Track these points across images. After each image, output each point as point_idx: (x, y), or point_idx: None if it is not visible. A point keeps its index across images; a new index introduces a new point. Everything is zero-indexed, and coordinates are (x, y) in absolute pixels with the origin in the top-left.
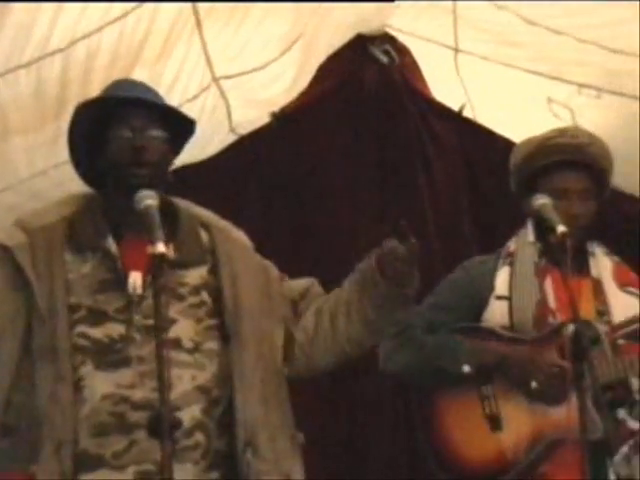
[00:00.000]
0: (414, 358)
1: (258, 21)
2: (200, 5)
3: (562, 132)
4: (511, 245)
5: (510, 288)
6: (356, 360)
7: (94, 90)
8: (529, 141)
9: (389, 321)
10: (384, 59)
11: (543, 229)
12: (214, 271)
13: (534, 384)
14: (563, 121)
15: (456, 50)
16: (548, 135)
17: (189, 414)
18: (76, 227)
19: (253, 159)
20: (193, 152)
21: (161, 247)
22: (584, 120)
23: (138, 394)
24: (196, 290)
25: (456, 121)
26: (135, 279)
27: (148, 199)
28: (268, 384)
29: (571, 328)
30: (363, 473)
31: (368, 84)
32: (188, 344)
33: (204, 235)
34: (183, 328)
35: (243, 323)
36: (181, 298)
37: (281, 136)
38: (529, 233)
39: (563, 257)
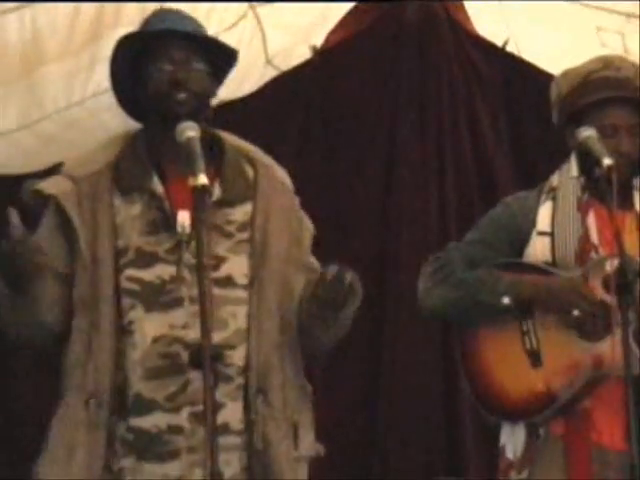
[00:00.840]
0: (453, 293)
1: None
2: None
3: (607, 64)
4: (554, 180)
5: (552, 224)
6: None
7: (129, 14)
8: (573, 73)
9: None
10: None
11: (587, 163)
12: (255, 208)
13: (576, 312)
14: (612, 49)
15: None
16: (592, 67)
17: (242, 352)
18: (121, 170)
19: (292, 96)
20: (230, 84)
21: (203, 179)
22: (635, 45)
23: (191, 334)
24: (244, 227)
25: (498, 55)
26: (184, 218)
27: (190, 130)
28: (284, 332)
29: (613, 262)
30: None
31: (409, 19)
32: (242, 280)
33: (249, 170)
34: (234, 265)
35: (267, 267)
36: (229, 235)
37: (321, 72)
38: (572, 167)
39: (608, 190)
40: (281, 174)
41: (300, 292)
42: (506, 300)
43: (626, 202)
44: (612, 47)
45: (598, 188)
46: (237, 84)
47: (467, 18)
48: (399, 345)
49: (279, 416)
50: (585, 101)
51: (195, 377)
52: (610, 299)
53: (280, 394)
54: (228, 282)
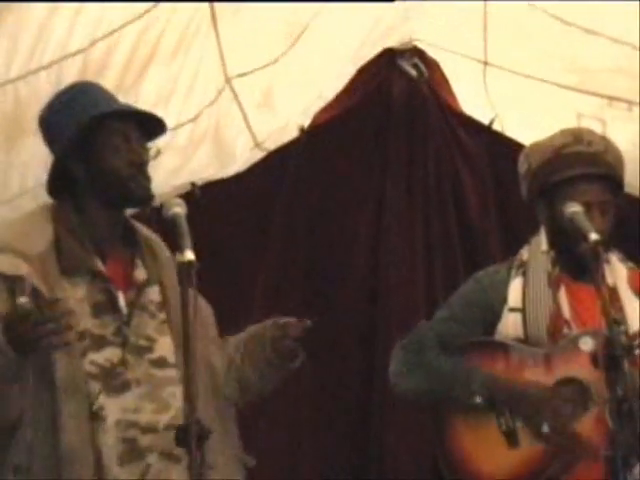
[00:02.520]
0: (426, 383)
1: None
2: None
3: (577, 138)
4: (524, 254)
5: (523, 299)
6: None
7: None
8: (543, 146)
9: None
10: (413, 73)
11: (557, 237)
12: (163, 290)
13: (545, 429)
14: None
15: (485, 63)
16: (563, 141)
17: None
18: (63, 249)
19: (280, 174)
20: (216, 165)
21: (190, 255)
22: (616, 133)
23: (143, 418)
24: (160, 307)
25: (486, 135)
26: (121, 299)
27: (176, 207)
28: (219, 407)
29: (586, 339)
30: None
31: (396, 98)
32: (172, 359)
33: (154, 253)
34: (163, 345)
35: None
36: (153, 316)
37: (309, 151)
38: (542, 241)
39: (595, 266)
40: (165, 250)
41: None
42: (478, 399)
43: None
44: None
45: (568, 263)
46: (219, 163)
47: (453, 96)
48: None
49: None
50: (558, 177)
51: (154, 461)
52: (585, 377)
53: (225, 469)
54: (163, 362)
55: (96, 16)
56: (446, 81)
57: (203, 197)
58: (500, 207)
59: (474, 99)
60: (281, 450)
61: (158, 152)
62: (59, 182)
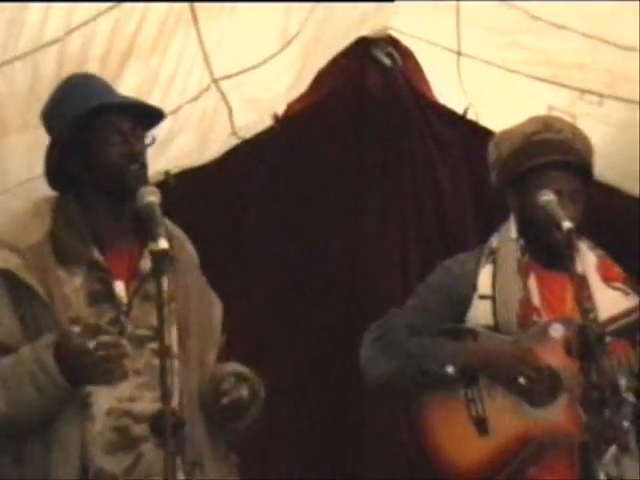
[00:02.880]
0: (397, 362)
1: (252, 13)
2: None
3: (547, 126)
4: (493, 242)
5: (493, 287)
6: None
7: None
8: (513, 134)
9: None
10: (387, 62)
11: (527, 225)
12: (175, 280)
13: (522, 380)
14: None
15: (458, 53)
16: (533, 129)
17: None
18: (60, 240)
19: (254, 163)
20: (195, 156)
21: (163, 243)
22: (586, 127)
23: (139, 407)
24: (170, 297)
25: (460, 124)
26: (120, 289)
27: (151, 195)
28: (207, 409)
29: (556, 326)
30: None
31: (371, 87)
32: (177, 349)
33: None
34: (169, 335)
35: (189, 339)
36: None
37: (283, 139)
38: (511, 229)
39: (568, 254)
40: (190, 248)
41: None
42: (450, 369)
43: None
44: None
45: (536, 250)
46: (199, 155)
47: (428, 86)
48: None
49: None
50: (528, 165)
51: (147, 450)
52: (556, 366)
53: (214, 469)
54: (170, 353)
55: (70, 5)
56: (420, 70)
57: (177, 185)
58: (475, 195)
59: (448, 89)
60: (258, 449)
61: (153, 140)
62: (61, 174)
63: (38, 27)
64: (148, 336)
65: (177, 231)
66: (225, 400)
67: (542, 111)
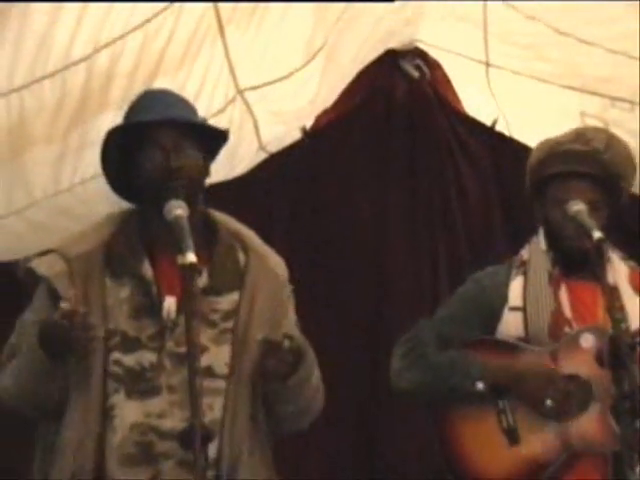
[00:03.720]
0: (426, 376)
1: (278, 24)
2: (222, 9)
3: (577, 136)
4: (524, 254)
5: (524, 298)
6: None
7: (115, 98)
8: (544, 144)
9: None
10: (415, 74)
11: (555, 237)
12: (242, 298)
13: (549, 402)
14: None
15: (487, 64)
16: (562, 139)
17: (215, 445)
18: (113, 251)
19: (283, 176)
20: (222, 170)
21: (191, 257)
22: (619, 133)
23: (167, 424)
24: (228, 316)
25: (489, 136)
26: (170, 304)
27: (178, 209)
28: (255, 427)
29: (587, 336)
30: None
31: (399, 99)
32: (222, 370)
33: (241, 257)
34: (216, 355)
35: (246, 355)
36: (213, 324)
37: (311, 152)
38: (541, 240)
39: (599, 262)
40: (274, 264)
41: None
42: (480, 386)
43: (597, 275)
44: None
45: (567, 261)
46: (229, 169)
47: (456, 97)
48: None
49: None
50: (545, 173)
51: (166, 468)
52: (585, 376)
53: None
54: (208, 372)
55: (98, 23)
56: (448, 81)
57: (207, 200)
58: (503, 208)
59: (477, 100)
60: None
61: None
62: (123, 186)
63: (66, 46)
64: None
65: (261, 247)
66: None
67: (574, 119)
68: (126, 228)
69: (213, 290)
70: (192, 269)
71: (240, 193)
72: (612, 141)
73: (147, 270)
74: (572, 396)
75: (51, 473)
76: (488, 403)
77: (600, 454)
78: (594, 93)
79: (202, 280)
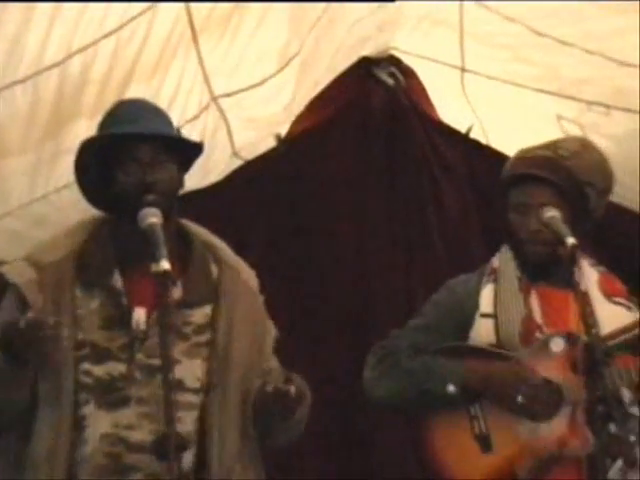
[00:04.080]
0: (399, 383)
1: (253, 33)
2: (196, 16)
3: (549, 144)
4: (495, 261)
5: (495, 305)
6: None
7: (88, 105)
8: (517, 152)
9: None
10: (390, 81)
11: (513, 241)
12: (215, 312)
13: (520, 398)
14: None
15: (462, 69)
16: (534, 147)
17: (190, 455)
18: (84, 261)
19: (258, 184)
20: (196, 177)
21: (165, 264)
22: (596, 137)
23: (136, 436)
24: (201, 329)
25: (464, 143)
26: (139, 316)
27: (152, 217)
28: (246, 439)
29: (557, 340)
30: None
31: (374, 107)
32: (193, 384)
33: (214, 270)
34: (187, 368)
35: (230, 372)
36: (185, 338)
37: (286, 160)
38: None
39: (570, 269)
40: (247, 276)
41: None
42: (451, 388)
43: (568, 282)
44: None
45: (533, 268)
46: (202, 175)
47: (431, 105)
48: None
49: None
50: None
51: None
52: (558, 380)
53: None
54: (178, 386)
55: (70, 28)
56: (423, 89)
57: (181, 208)
58: (480, 214)
59: (453, 106)
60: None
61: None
62: (97, 197)
63: (38, 51)
64: (160, 366)
65: (233, 260)
66: (270, 389)
67: (551, 124)
68: (98, 237)
69: (186, 303)
70: (166, 277)
71: (215, 200)
72: (583, 149)
73: (117, 281)
74: (543, 391)
75: None
76: (461, 410)
77: (574, 458)
78: (570, 97)
79: (176, 292)
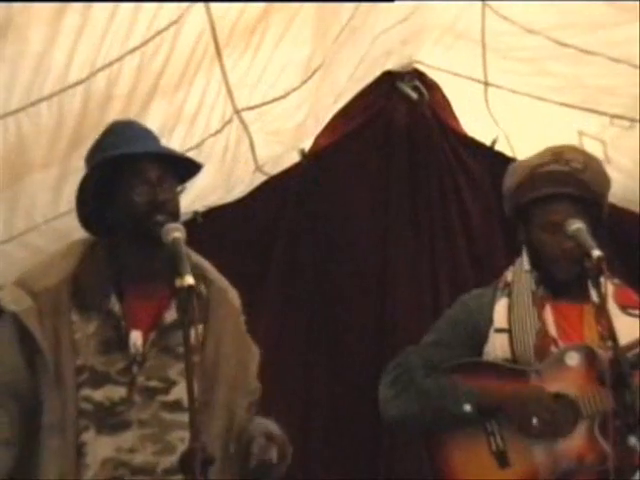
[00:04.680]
0: (414, 402)
1: (276, 45)
2: (219, 31)
3: (555, 156)
4: (508, 275)
5: (509, 320)
6: None
7: (112, 121)
8: (521, 166)
9: None
10: (414, 95)
11: (537, 257)
12: (206, 332)
13: (535, 421)
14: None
15: (486, 84)
16: (540, 161)
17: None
18: (80, 284)
19: (281, 199)
20: (219, 192)
21: (189, 279)
22: (617, 152)
23: (138, 458)
24: (195, 349)
25: (488, 156)
26: (136, 338)
27: (176, 231)
28: (226, 458)
29: (572, 354)
30: None
31: (398, 121)
32: None
33: (203, 290)
34: (184, 389)
35: (216, 391)
36: (179, 358)
37: (310, 175)
38: (525, 261)
39: (597, 282)
40: (232, 296)
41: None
42: (467, 408)
43: (583, 293)
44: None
45: (550, 282)
46: (226, 190)
47: (455, 118)
48: None
49: None
50: (529, 196)
51: None
52: (572, 392)
53: None
54: (177, 406)
55: (95, 46)
56: (447, 102)
57: (205, 224)
58: (505, 227)
59: (476, 120)
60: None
61: (182, 189)
62: (94, 219)
63: (63, 69)
64: (159, 388)
65: (220, 281)
66: (254, 463)
67: (573, 137)
68: (93, 259)
69: (180, 324)
70: (190, 292)
71: (239, 216)
72: (589, 160)
73: (114, 305)
74: (559, 414)
75: None
76: (477, 426)
77: (591, 473)
78: (593, 111)
79: (171, 314)
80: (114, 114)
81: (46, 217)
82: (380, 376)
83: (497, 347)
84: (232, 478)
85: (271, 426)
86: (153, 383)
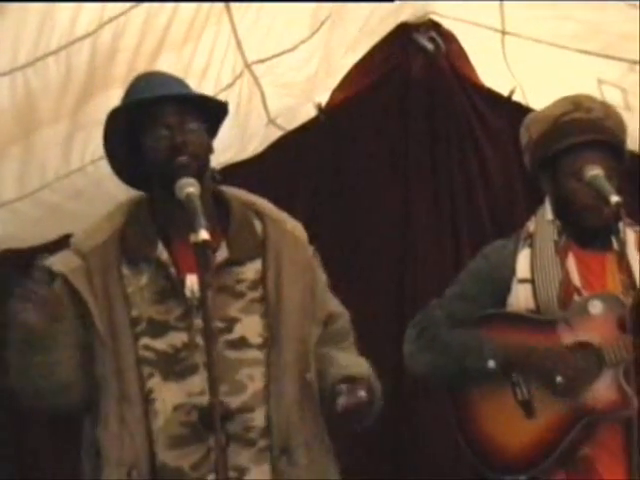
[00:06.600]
0: (438, 358)
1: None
2: None
3: (576, 105)
4: (530, 225)
5: (532, 270)
6: None
7: (119, 75)
8: (542, 116)
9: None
10: (430, 47)
11: (561, 207)
12: (265, 265)
13: (559, 379)
14: (614, 102)
15: (503, 32)
16: (562, 110)
17: (262, 413)
18: (127, 239)
19: (299, 154)
20: (234, 147)
21: (204, 234)
22: (637, 99)
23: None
24: (255, 285)
25: (506, 106)
26: (192, 282)
27: (189, 187)
28: (304, 387)
29: (595, 303)
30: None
31: (415, 73)
32: (256, 340)
33: (258, 225)
34: (247, 325)
35: (283, 324)
36: (240, 295)
37: (328, 130)
38: (547, 211)
39: (615, 227)
40: (292, 226)
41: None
42: (491, 364)
43: (605, 242)
44: (613, 102)
45: (573, 230)
46: (240, 145)
47: (472, 70)
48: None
49: (305, 476)
50: (558, 146)
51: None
52: (597, 343)
53: (304, 452)
54: (242, 343)
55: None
56: (464, 53)
57: (223, 181)
58: (525, 178)
59: (493, 70)
60: None
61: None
62: (130, 171)
63: (69, 23)
64: (222, 327)
65: (276, 212)
66: (340, 407)
67: (592, 86)
68: (138, 215)
69: (235, 261)
70: (206, 246)
71: (256, 172)
72: (609, 108)
73: (162, 253)
74: (583, 372)
75: (105, 470)
76: (502, 379)
77: (617, 420)
78: (613, 57)
79: (221, 254)
80: (121, 68)
81: (58, 174)
82: (402, 332)
83: (520, 298)
84: (309, 410)
85: (353, 367)
86: (215, 323)
